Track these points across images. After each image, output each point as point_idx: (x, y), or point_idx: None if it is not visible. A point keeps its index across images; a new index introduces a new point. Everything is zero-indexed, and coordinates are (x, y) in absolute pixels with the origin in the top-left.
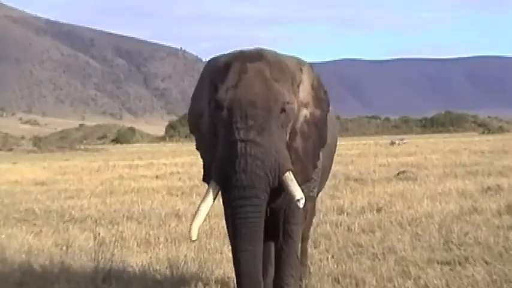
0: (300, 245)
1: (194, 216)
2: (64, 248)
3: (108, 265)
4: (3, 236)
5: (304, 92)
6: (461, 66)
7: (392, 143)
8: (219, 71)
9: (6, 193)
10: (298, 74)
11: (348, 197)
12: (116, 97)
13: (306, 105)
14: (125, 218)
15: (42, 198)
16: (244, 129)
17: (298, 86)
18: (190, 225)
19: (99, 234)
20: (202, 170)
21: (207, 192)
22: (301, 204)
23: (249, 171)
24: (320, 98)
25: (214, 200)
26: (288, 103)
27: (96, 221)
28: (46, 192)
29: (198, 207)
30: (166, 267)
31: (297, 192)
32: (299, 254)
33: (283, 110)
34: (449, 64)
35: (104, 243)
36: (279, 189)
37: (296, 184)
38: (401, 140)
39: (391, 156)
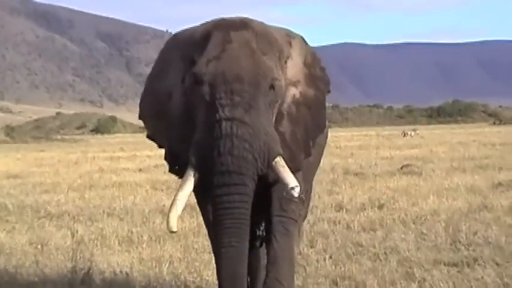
0: (297, 241)
1: (171, 206)
2: (39, 246)
3: (87, 265)
4: None
5: (294, 68)
6: (472, 51)
7: (405, 134)
8: (195, 42)
9: None
10: (287, 48)
11: (347, 192)
12: (96, 83)
13: (295, 84)
14: (106, 215)
15: (16, 193)
16: (230, 106)
17: (285, 62)
18: (168, 216)
19: (77, 231)
20: (166, 161)
21: (185, 179)
22: (296, 192)
23: (236, 154)
24: (314, 75)
25: (193, 187)
26: (276, 79)
27: (74, 218)
28: (20, 186)
29: (175, 197)
30: (150, 268)
31: (290, 179)
32: (296, 252)
33: (272, 87)
34: (459, 49)
35: (83, 242)
36: (267, 178)
37: (288, 171)
38: (414, 130)
39: (394, 148)
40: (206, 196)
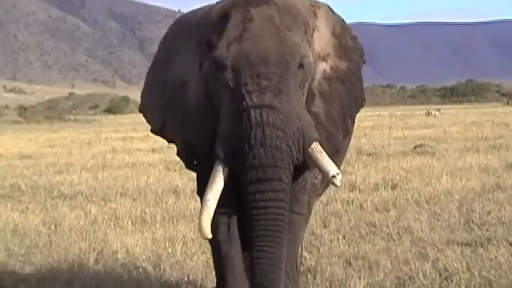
0: (300, 249)
1: (202, 208)
2: (52, 226)
3: (101, 246)
4: None
5: (322, 40)
6: (485, 31)
7: (429, 114)
8: (212, 23)
9: None
10: (312, 20)
11: (360, 172)
12: (109, 63)
13: (324, 58)
14: (119, 195)
15: (29, 173)
16: (257, 92)
17: (312, 35)
18: (200, 221)
19: (90, 212)
20: (179, 157)
21: (213, 176)
22: (338, 181)
23: (269, 144)
24: (345, 46)
25: (224, 186)
26: (305, 56)
27: (87, 198)
28: (33, 167)
29: (205, 197)
30: (164, 248)
31: (330, 166)
32: (299, 260)
33: (301, 66)
34: (471, 29)
35: (96, 222)
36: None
37: (327, 157)
38: (438, 110)
39: (407, 128)
40: (237, 195)
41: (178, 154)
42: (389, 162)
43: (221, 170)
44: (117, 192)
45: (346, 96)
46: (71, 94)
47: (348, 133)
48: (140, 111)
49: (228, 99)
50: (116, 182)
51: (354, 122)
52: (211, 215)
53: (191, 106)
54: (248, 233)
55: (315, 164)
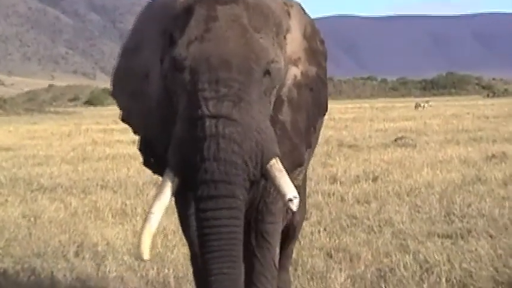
0: (277, 250)
1: (144, 222)
2: (32, 219)
3: (81, 238)
4: None
5: (293, 43)
6: (466, 23)
7: (418, 106)
8: (175, 16)
9: None
10: (286, 20)
11: (341, 164)
12: (89, 55)
13: (295, 62)
14: (99, 187)
15: (8, 165)
16: (215, 100)
17: (285, 37)
18: (140, 237)
19: (70, 204)
20: (139, 151)
21: (162, 185)
22: (294, 206)
23: (223, 159)
24: (315, 50)
25: (172, 196)
26: (273, 62)
27: (67, 190)
28: (12, 159)
29: (150, 209)
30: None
31: (288, 188)
32: (277, 262)
33: (267, 72)
34: (453, 21)
35: (76, 214)
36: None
37: (286, 176)
38: (427, 102)
39: (388, 121)
40: (188, 208)
41: (139, 148)
42: (370, 155)
43: (171, 180)
44: (97, 184)
45: (312, 104)
46: (51, 86)
47: (309, 145)
48: (112, 96)
49: (184, 103)
50: (96, 174)
51: (316, 132)
52: (154, 230)
53: (152, 99)
54: (202, 252)
55: (272, 182)
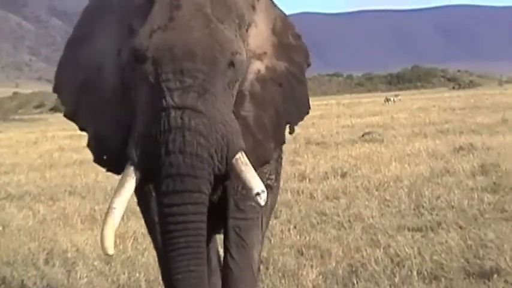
0: (259, 252)
1: (106, 217)
2: (0, 228)
3: (50, 245)
4: None
5: (259, 37)
6: (429, 17)
7: (387, 100)
8: (136, 5)
9: None
10: (249, 13)
11: (309, 162)
12: (53, 61)
13: (259, 57)
14: (67, 193)
15: None
16: (180, 91)
17: (247, 30)
18: (102, 232)
19: (39, 211)
20: (89, 149)
21: (123, 180)
22: (262, 200)
23: (189, 152)
24: (286, 45)
25: (133, 190)
26: (237, 53)
27: (35, 198)
28: None
29: (110, 204)
30: (115, 245)
31: (255, 182)
32: (256, 265)
33: (231, 64)
34: (416, 16)
35: (45, 222)
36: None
37: (252, 170)
38: (396, 96)
39: (355, 116)
40: (151, 203)
41: (88, 145)
42: (338, 151)
43: (132, 174)
44: (65, 190)
45: (283, 101)
46: (15, 94)
47: (281, 142)
48: (54, 91)
49: (146, 95)
50: (64, 181)
51: (292, 131)
52: (117, 224)
53: (105, 94)
54: (165, 250)
55: (238, 177)
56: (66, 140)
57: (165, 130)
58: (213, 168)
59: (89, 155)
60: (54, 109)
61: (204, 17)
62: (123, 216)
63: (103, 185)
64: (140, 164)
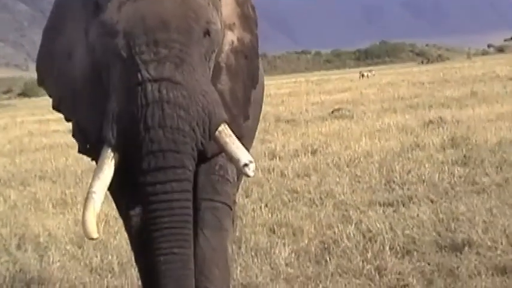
0: (231, 241)
1: (86, 202)
2: None
3: (22, 230)
4: None
5: (227, 8)
6: None
7: (362, 76)
8: None
9: None
10: None
11: (279, 140)
12: (20, 46)
13: (231, 28)
14: (38, 178)
15: None
16: (155, 63)
17: None
18: (83, 217)
19: (9, 197)
20: (74, 139)
21: (100, 163)
22: (250, 171)
23: (169, 126)
24: (248, 16)
25: (113, 174)
26: (212, 23)
27: (5, 183)
28: None
29: (90, 188)
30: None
31: (241, 153)
32: (230, 252)
33: (207, 33)
34: None
35: (16, 207)
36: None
37: (237, 141)
38: (370, 71)
39: (324, 93)
40: (130, 187)
41: (73, 135)
42: (308, 128)
43: (110, 156)
44: (35, 175)
45: (247, 73)
46: None
47: (247, 117)
48: (39, 84)
49: (120, 72)
50: (34, 166)
51: (250, 104)
52: (98, 209)
53: (78, 81)
54: (147, 231)
55: (223, 149)
56: (36, 124)
57: (142, 105)
58: (196, 143)
59: (57, 139)
60: (22, 94)
61: None
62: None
63: (73, 169)
64: (118, 144)
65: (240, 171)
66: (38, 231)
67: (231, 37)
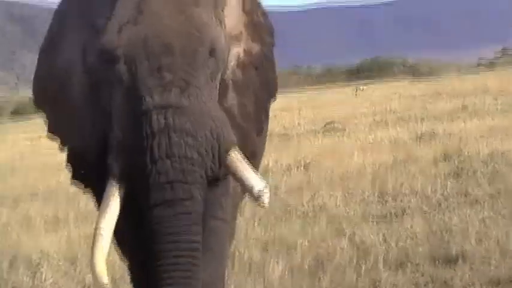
0: (227, 260)
1: (94, 243)
2: None
3: (14, 249)
4: None
5: (232, 17)
6: (389, 9)
7: (357, 90)
8: (98, 3)
9: None
10: None
11: (272, 155)
12: (11, 68)
13: (237, 38)
14: (30, 197)
15: None
16: (160, 89)
17: (223, 10)
18: (92, 259)
19: (2, 216)
20: (69, 164)
21: (106, 199)
22: (266, 198)
23: (177, 155)
24: (258, 24)
25: (120, 209)
26: (217, 40)
27: None
28: None
29: (96, 229)
30: (79, 247)
31: (254, 180)
32: (225, 275)
33: (212, 52)
34: (376, 9)
35: (8, 225)
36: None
37: (248, 166)
38: (365, 85)
39: (316, 108)
40: (137, 221)
41: (67, 161)
42: (300, 143)
43: (116, 191)
44: (28, 194)
45: (259, 85)
46: None
47: (261, 130)
48: (35, 106)
49: (122, 98)
50: (26, 185)
51: (268, 116)
52: (107, 248)
53: (75, 104)
54: (150, 267)
55: (234, 175)
56: (27, 143)
57: (147, 135)
58: (206, 170)
59: (49, 158)
60: (14, 113)
61: (177, 1)
62: (86, 218)
63: (65, 188)
64: (123, 178)
65: (253, 200)
66: (31, 249)
67: (236, 50)
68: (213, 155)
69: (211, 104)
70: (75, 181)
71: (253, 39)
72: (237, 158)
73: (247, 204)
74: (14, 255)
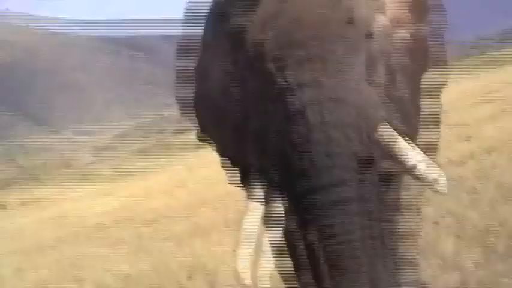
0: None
1: (239, 244)
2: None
3: (191, 261)
4: None
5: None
6: None
7: None
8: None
9: None
10: None
11: None
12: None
13: (381, 9)
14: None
15: None
16: (312, 85)
17: None
18: (235, 256)
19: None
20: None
21: (251, 198)
22: (421, 170)
23: (318, 137)
24: (424, 4)
25: (264, 202)
26: (371, 24)
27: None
28: None
29: (243, 225)
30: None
31: (409, 153)
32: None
33: (350, 22)
34: None
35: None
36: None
37: (404, 143)
38: None
39: None
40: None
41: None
42: None
43: (259, 191)
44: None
45: (410, 58)
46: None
47: (418, 108)
48: (202, 130)
49: (274, 99)
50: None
51: (420, 93)
52: (253, 244)
53: (235, 120)
54: (317, 276)
55: (388, 155)
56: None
57: (303, 133)
58: (354, 152)
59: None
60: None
61: None
62: None
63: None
64: (264, 167)
65: (415, 178)
66: (206, 259)
67: (382, 20)
68: (360, 134)
69: (353, 78)
70: (232, 184)
71: (419, 21)
72: (388, 134)
73: None
74: (191, 267)
